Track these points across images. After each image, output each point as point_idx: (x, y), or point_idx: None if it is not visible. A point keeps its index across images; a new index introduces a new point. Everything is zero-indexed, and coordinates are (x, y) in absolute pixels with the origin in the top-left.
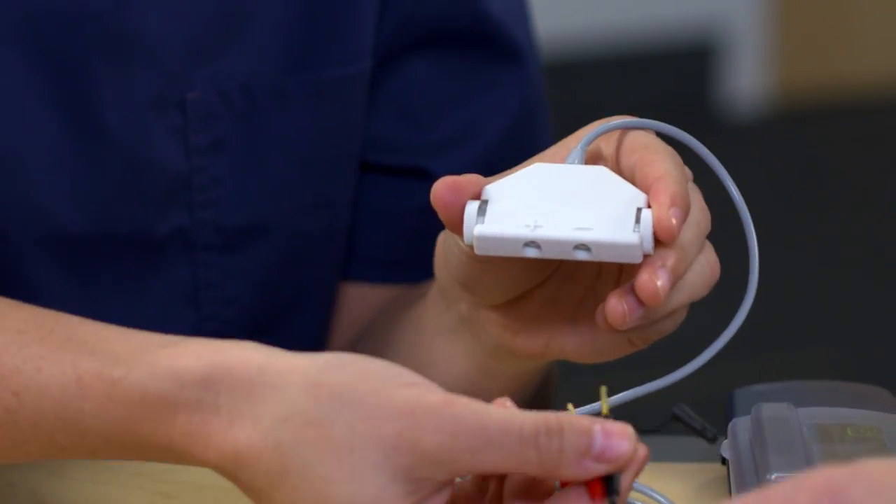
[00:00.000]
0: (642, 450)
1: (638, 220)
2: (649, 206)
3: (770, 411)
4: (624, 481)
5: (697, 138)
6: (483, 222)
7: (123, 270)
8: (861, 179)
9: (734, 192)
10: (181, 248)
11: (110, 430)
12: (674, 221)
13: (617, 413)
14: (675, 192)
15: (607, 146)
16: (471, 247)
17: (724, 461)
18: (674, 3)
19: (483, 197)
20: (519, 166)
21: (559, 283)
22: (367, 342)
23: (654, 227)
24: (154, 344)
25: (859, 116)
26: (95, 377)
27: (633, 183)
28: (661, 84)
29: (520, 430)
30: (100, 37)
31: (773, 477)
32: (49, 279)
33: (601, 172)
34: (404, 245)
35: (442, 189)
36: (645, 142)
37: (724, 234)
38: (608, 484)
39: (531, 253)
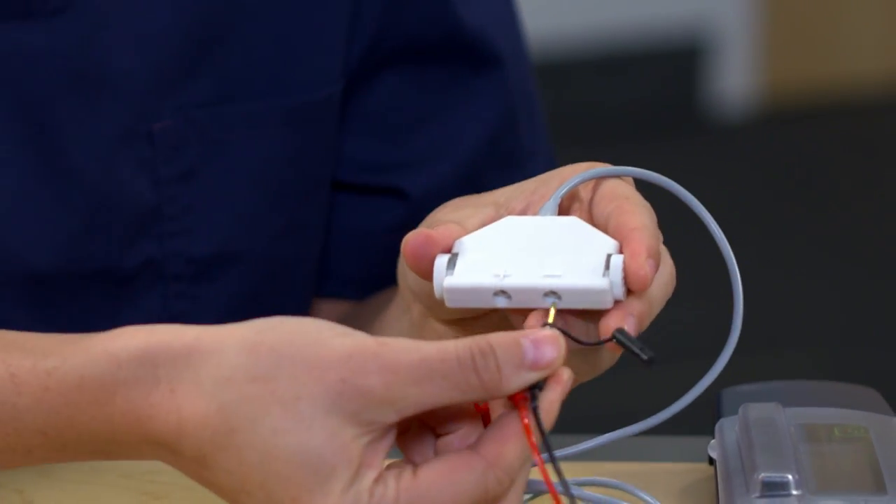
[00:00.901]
0: (567, 372)
1: (608, 266)
2: (620, 253)
3: (757, 411)
4: (550, 399)
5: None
6: (452, 274)
7: (92, 304)
8: (848, 180)
9: (717, 233)
10: (151, 279)
11: (46, 423)
12: (647, 271)
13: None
14: (651, 244)
15: (584, 190)
16: (442, 299)
17: (711, 461)
18: (662, 3)
19: (454, 250)
20: (495, 222)
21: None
22: None
23: (627, 275)
24: (84, 335)
25: (847, 117)
26: (29, 371)
27: (607, 231)
28: (649, 84)
29: (457, 356)
30: (65, 73)
31: (760, 477)
32: (15, 317)
33: (574, 223)
34: (378, 263)
35: (413, 243)
36: (624, 193)
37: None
38: (530, 389)
39: (501, 303)
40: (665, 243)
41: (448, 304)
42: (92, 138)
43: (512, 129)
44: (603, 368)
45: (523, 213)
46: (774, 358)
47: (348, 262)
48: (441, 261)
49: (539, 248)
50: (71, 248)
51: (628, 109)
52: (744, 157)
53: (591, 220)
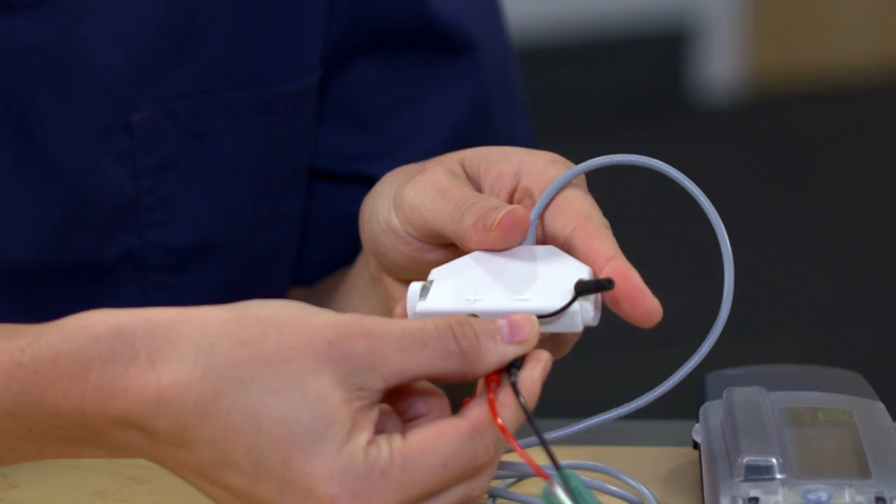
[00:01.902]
0: (546, 353)
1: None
2: (594, 276)
3: (741, 395)
4: (531, 376)
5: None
6: (425, 299)
7: (72, 296)
8: (834, 164)
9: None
10: (131, 270)
11: (16, 403)
12: (655, 302)
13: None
14: (636, 274)
15: (538, 191)
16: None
17: (695, 445)
18: None
19: (430, 278)
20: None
21: None
22: None
23: (637, 312)
24: (63, 318)
25: (832, 101)
26: (2, 349)
27: (570, 249)
28: (634, 70)
29: (435, 325)
30: (43, 67)
31: (744, 461)
32: None
33: (550, 251)
34: (350, 251)
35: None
36: (585, 209)
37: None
38: (508, 366)
39: None
40: (651, 231)
41: None
42: (71, 130)
43: (486, 116)
44: (568, 344)
45: (478, 187)
46: (759, 342)
47: (315, 248)
48: (414, 287)
49: (511, 274)
50: (50, 240)
51: (614, 95)
52: (730, 142)
53: (543, 228)
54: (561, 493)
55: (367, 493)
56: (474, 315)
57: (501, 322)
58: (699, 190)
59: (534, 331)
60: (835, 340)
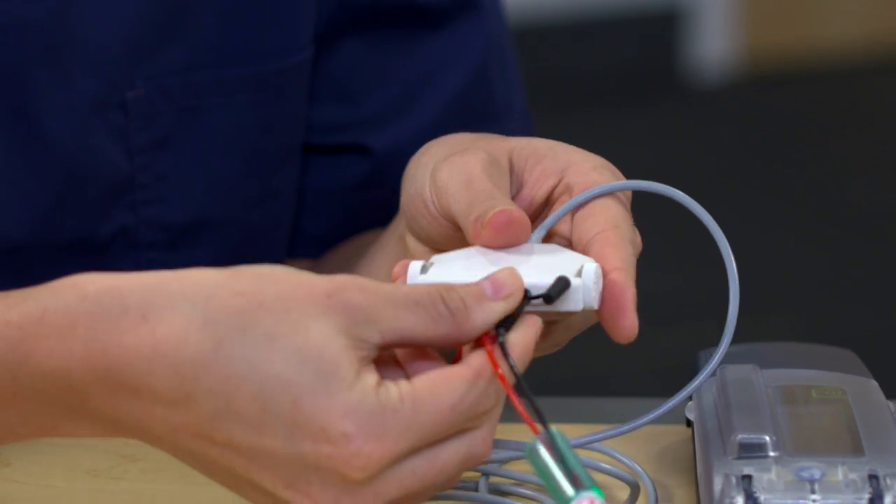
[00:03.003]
0: (536, 318)
1: (579, 274)
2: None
3: (735, 373)
4: (523, 339)
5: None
6: (426, 275)
7: (66, 274)
8: (826, 142)
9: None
10: (125, 248)
11: (1, 363)
12: (634, 326)
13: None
14: (633, 294)
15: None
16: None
17: (688, 423)
18: None
19: (431, 260)
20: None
21: None
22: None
23: (613, 328)
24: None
25: (825, 81)
26: None
27: (587, 251)
28: (628, 49)
29: (426, 289)
30: (37, 45)
31: (737, 438)
32: None
33: (553, 247)
34: (345, 222)
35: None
36: (614, 218)
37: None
38: (496, 326)
39: None
40: (637, 215)
41: None
42: (65, 108)
43: (483, 85)
44: (571, 331)
45: (522, 179)
46: (753, 321)
47: (312, 221)
48: (415, 266)
49: (513, 261)
50: (45, 217)
51: (607, 74)
52: (723, 121)
53: (570, 228)
54: (544, 451)
55: (381, 431)
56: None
57: (484, 282)
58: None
59: (517, 283)
60: (828, 319)
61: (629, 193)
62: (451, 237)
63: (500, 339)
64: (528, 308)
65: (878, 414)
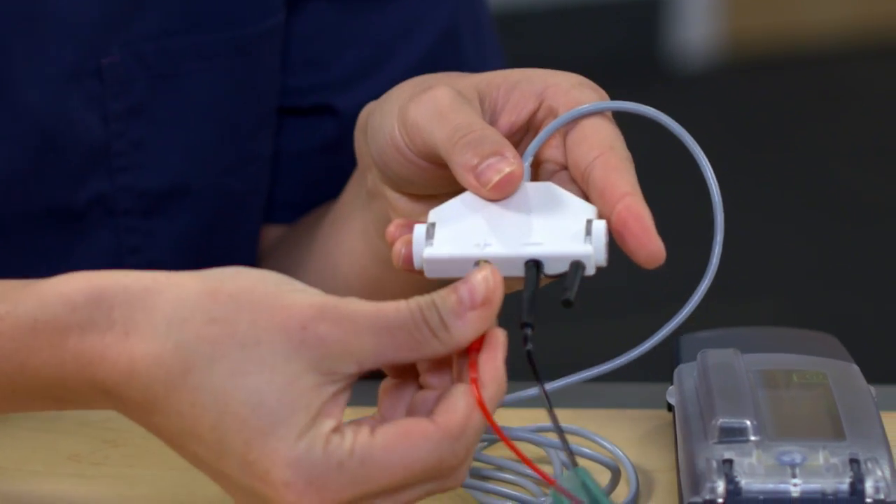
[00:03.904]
0: (500, 333)
1: (589, 232)
2: (599, 218)
3: (716, 357)
4: (492, 367)
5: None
6: (432, 245)
7: (44, 242)
8: (810, 128)
9: (707, 171)
10: (103, 215)
11: None
12: (661, 245)
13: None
14: (649, 212)
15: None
16: (421, 270)
17: (669, 407)
18: None
19: (431, 219)
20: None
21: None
22: (283, 251)
23: (641, 252)
24: (36, 280)
25: (809, 66)
26: None
27: (587, 180)
28: (610, 35)
29: (407, 309)
30: (11, 13)
31: (718, 423)
32: None
33: (549, 188)
34: (317, 186)
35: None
36: (609, 139)
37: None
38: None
39: None
40: None
41: (427, 274)
42: (40, 76)
43: (453, 45)
44: None
45: (495, 109)
46: (734, 305)
47: (283, 186)
48: (419, 230)
49: (517, 216)
50: (21, 185)
51: (590, 59)
52: (706, 106)
53: (565, 157)
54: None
55: (322, 483)
56: (486, 261)
57: (462, 292)
58: (696, 145)
59: (494, 284)
60: (810, 303)
61: (610, 113)
62: (432, 176)
63: (528, 347)
64: (541, 274)
65: (859, 398)
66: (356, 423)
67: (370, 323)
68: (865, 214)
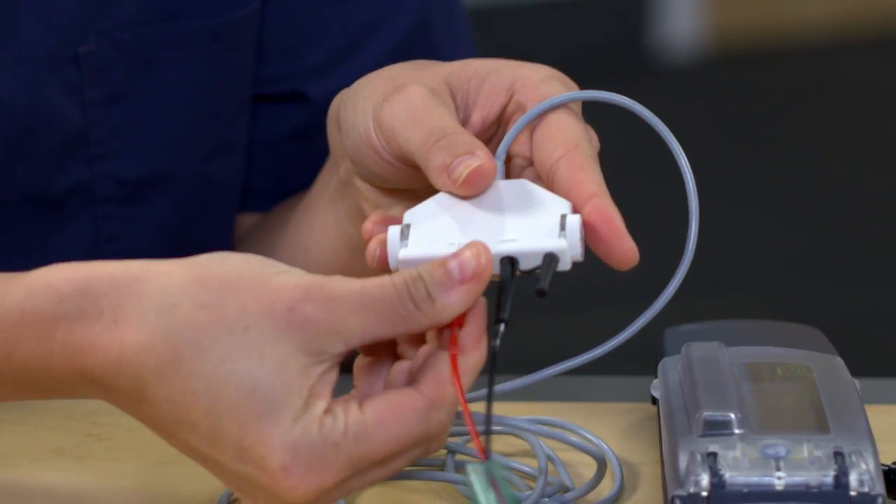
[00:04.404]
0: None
1: (563, 227)
2: (574, 213)
3: (700, 350)
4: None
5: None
6: (406, 245)
7: (22, 230)
8: (795, 121)
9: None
10: (81, 202)
11: None
12: (632, 245)
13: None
14: (617, 213)
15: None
16: (396, 270)
17: (654, 401)
18: None
19: (405, 221)
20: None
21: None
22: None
23: (614, 254)
24: (22, 273)
25: (794, 58)
26: None
27: (553, 178)
28: (596, 28)
29: (392, 284)
30: None
31: (703, 416)
32: None
33: (522, 185)
34: (290, 174)
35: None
36: (574, 137)
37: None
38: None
39: None
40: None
41: None
42: (16, 64)
43: (425, 35)
44: None
45: (467, 104)
46: (719, 298)
47: (256, 173)
48: (394, 232)
49: (491, 215)
50: None
51: (576, 53)
52: (691, 100)
53: (532, 151)
54: (477, 479)
55: (320, 465)
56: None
57: (452, 265)
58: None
59: (485, 260)
60: (794, 296)
61: (579, 102)
62: (406, 175)
63: (496, 343)
64: (516, 269)
65: (843, 391)
66: (343, 400)
67: (355, 301)
68: (851, 207)
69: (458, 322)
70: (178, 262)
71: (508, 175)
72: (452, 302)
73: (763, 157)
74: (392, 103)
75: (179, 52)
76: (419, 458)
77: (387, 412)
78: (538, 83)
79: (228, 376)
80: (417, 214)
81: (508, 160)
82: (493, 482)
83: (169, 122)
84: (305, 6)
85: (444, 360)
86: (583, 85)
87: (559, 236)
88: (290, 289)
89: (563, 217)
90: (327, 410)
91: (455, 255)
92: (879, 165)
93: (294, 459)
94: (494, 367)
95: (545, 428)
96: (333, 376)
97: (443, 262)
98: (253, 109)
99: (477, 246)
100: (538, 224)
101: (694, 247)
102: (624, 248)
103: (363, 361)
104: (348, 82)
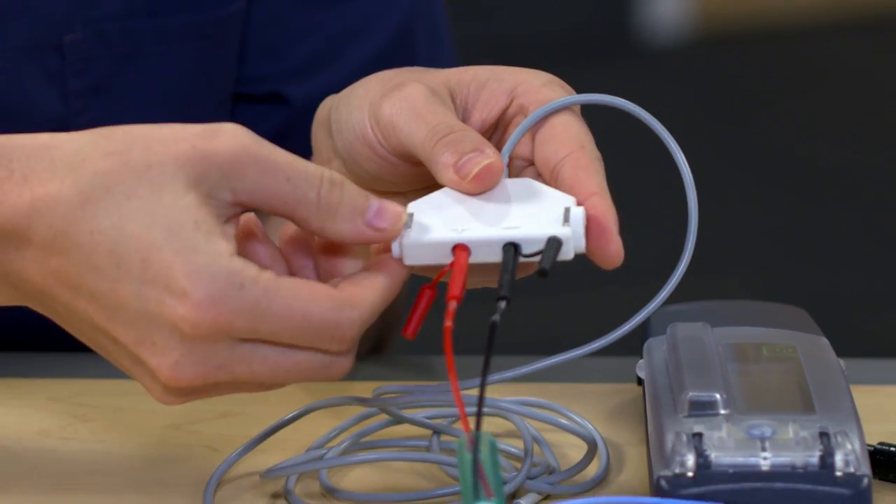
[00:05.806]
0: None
1: (567, 219)
2: (578, 206)
3: (685, 331)
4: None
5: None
6: (409, 231)
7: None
8: (780, 104)
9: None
10: None
11: None
12: (620, 248)
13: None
14: (614, 214)
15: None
16: (400, 258)
17: (639, 381)
18: None
19: (408, 211)
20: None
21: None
22: None
23: (599, 253)
24: None
25: (779, 40)
26: None
27: (556, 177)
28: (581, 10)
29: (305, 168)
30: None
31: (688, 396)
32: None
33: (527, 184)
34: None
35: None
36: (578, 138)
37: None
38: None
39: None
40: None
41: (406, 261)
42: None
43: (407, 42)
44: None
45: (466, 106)
46: (705, 279)
47: None
48: None
49: (495, 205)
50: None
51: (562, 36)
52: (676, 82)
53: (533, 153)
54: (467, 452)
55: (219, 298)
56: (463, 245)
57: (373, 203)
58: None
59: (396, 227)
60: (780, 277)
61: (579, 107)
62: (401, 173)
63: (496, 318)
64: (518, 257)
65: (828, 372)
66: (263, 266)
67: (259, 159)
68: (834, 188)
69: (455, 294)
70: (87, 131)
71: (509, 175)
72: (346, 228)
73: (749, 139)
74: (392, 99)
75: (164, 47)
76: (318, 372)
77: (302, 287)
78: (539, 87)
79: (132, 212)
80: (421, 205)
81: (508, 162)
82: (479, 465)
83: (150, 115)
84: (290, 8)
85: (376, 266)
86: (568, 66)
87: (563, 225)
88: (198, 131)
89: (567, 209)
90: (237, 255)
91: (383, 201)
92: (865, 147)
93: (195, 285)
94: (493, 343)
95: (531, 409)
96: (230, 228)
97: (366, 195)
98: (233, 109)
99: (399, 211)
100: (542, 214)
101: (693, 246)
102: (610, 249)
103: (292, 230)
104: (329, 87)
